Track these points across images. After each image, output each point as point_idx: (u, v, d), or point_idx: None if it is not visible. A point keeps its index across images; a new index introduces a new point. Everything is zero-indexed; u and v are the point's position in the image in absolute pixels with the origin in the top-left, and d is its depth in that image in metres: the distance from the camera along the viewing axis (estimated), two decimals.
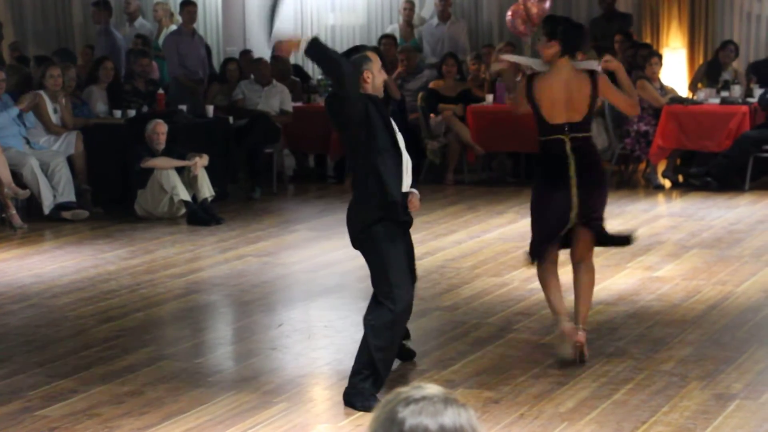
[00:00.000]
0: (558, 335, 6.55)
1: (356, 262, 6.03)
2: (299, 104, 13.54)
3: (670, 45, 14.98)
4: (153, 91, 12.73)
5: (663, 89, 12.72)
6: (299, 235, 10.42)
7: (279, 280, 8.71)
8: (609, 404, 5.80)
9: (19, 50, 15.80)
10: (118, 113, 12.19)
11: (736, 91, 12.67)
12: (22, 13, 17.40)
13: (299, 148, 13.96)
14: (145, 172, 11.04)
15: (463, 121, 13.02)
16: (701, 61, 14.65)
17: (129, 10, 16.05)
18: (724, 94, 12.63)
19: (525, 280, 8.39)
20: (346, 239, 6.08)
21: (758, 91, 12.63)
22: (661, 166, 12.77)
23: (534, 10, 13.27)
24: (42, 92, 11.58)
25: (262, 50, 15.04)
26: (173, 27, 15.02)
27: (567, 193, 6.37)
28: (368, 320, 5.85)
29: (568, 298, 6.68)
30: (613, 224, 10.12)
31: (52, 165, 11.25)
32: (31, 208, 11.40)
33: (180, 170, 11.10)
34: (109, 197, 11.77)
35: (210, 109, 12.51)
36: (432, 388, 2.40)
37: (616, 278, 8.42)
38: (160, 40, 15.14)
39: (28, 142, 11.48)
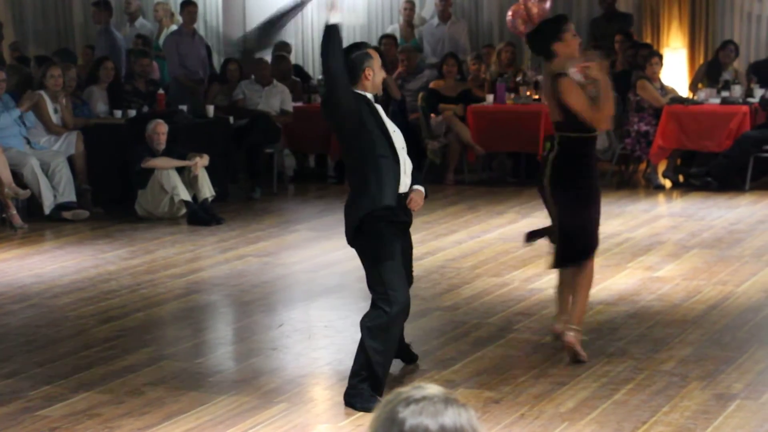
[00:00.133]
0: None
1: (356, 262, 6.02)
2: (300, 104, 13.54)
3: (670, 45, 14.98)
4: (153, 91, 12.73)
5: (663, 89, 12.72)
6: (299, 235, 10.42)
7: (279, 280, 8.72)
8: (609, 404, 5.79)
9: (19, 50, 15.82)
10: (118, 113, 12.19)
11: (737, 91, 12.67)
12: (22, 13, 17.41)
13: (300, 148, 13.96)
14: (145, 172, 11.04)
15: (464, 121, 13.02)
16: (701, 61, 14.65)
17: (129, 10, 16.06)
18: (725, 94, 12.63)
19: (525, 280, 8.40)
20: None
21: (759, 91, 12.63)
22: (662, 166, 12.77)
23: (534, 10, 13.27)
24: (42, 92, 11.59)
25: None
26: (174, 27, 15.02)
27: (543, 190, 6.55)
28: (364, 322, 5.85)
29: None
30: (613, 224, 10.16)
31: (52, 165, 11.25)
32: (31, 208, 11.40)
33: (180, 170, 11.10)
34: (110, 197, 11.77)
35: (210, 109, 12.51)
36: (432, 388, 2.40)
37: (616, 278, 8.42)
38: (161, 40, 15.14)
39: (28, 142, 11.48)
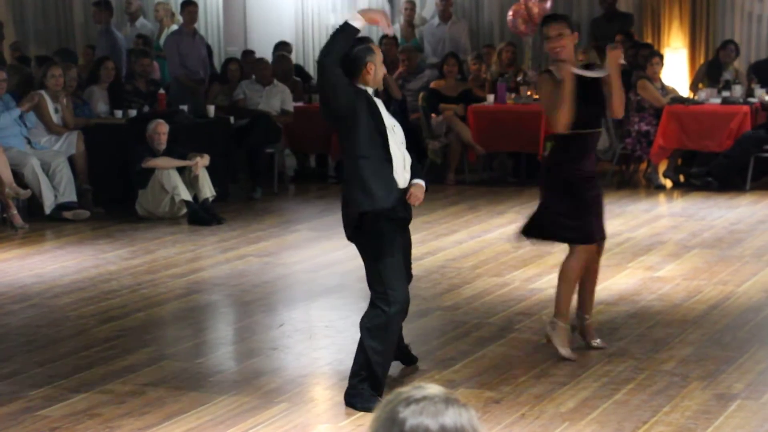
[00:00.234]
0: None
1: (357, 262, 6.02)
2: (300, 104, 13.54)
3: (671, 45, 14.99)
4: (154, 91, 12.73)
5: (664, 89, 12.72)
6: (300, 235, 10.42)
7: (280, 280, 8.71)
8: (610, 404, 5.79)
9: (20, 50, 15.81)
10: (119, 113, 12.19)
11: (737, 91, 12.67)
12: (23, 13, 17.40)
13: (300, 148, 13.96)
14: (146, 172, 11.04)
15: (464, 121, 13.02)
16: (702, 61, 14.66)
17: (130, 10, 16.05)
18: (725, 94, 12.63)
19: (526, 280, 8.40)
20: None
21: (759, 91, 12.63)
22: (662, 166, 12.78)
23: (535, 9, 13.28)
24: (43, 92, 11.59)
25: (263, 50, 15.03)
26: (174, 27, 15.02)
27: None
28: (363, 322, 5.85)
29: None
30: (614, 224, 10.15)
31: (53, 165, 11.25)
32: (32, 208, 11.40)
33: (181, 170, 11.10)
34: (110, 197, 11.77)
35: (211, 109, 12.51)
36: (433, 388, 2.40)
37: (617, 278, 8.42)
38: (161, 40, 15.14)
39: (29, 142, 11.48)
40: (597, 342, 6.74)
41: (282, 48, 14.68)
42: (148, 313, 7.79)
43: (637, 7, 15.22)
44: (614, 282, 8.30)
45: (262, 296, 8.19)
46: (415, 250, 6.27)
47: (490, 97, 13.13)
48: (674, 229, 10.21)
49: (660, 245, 9.53)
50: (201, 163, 11.10)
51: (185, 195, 10.97)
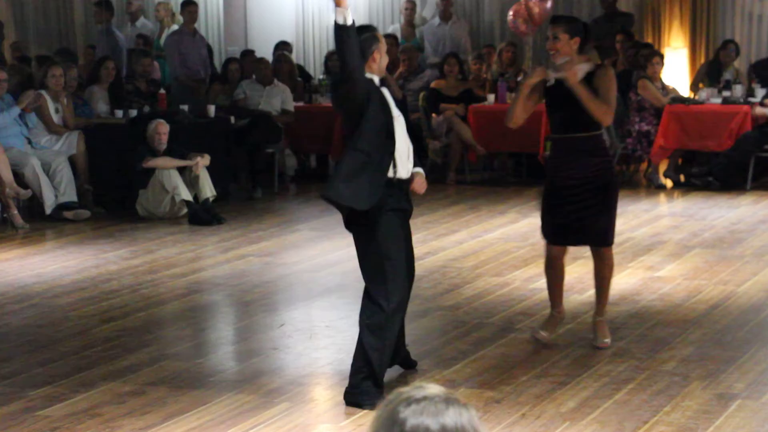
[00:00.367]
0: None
1: (357, 262, 6.01)
2: (301, 104, 13.54)
3: (671, 44, 14.98)
4: (154, 91, 12.74)
5: (664, 89, 12.72)
6: (301, 235, 10.42)
7: (280, 280, 8.71)
8: (611, 404, 5.79)
9: (20, 50, 15.81)
10: (119, 113, 12.19)
11: (738, 90, 12.66)
12: (23, 13, 17.41)
13: (301, 148, 13.96)
14: (146, 172, 11.05)
15: (465, 120, 13.02)
16: (702, 61, 14.65)
17: (131, 10, 16.06)
18: (726, 93, 12.63)
19: (526, 280, 8.40)
20: (348, 239, 6.07)
21: (760, 91, 12.62)
22: (663, 166, 12.77)
23: (536, 9, 13.27)
24: (44, 92, 11.59)
25: (264, 50, 15.03)
26: (175, 27, 15.02)
27: None
28: (362, 318, 5.84)
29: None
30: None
31: (53, 165, 11.25)
32: (32, 208, 11.41)
33: (181, 170, 11.10)
34: (111, 197, 11.78)
35: (211, 109, 12.51)
36: (433, 388, 2.40)
37: (617, 278, 8.40)
38: (162, 40, 15.14)
39: (29, 142, 11.49)
40: (603, 341, 6.75)
41: (282, 48, 14.68)
42: (148, 312, 7.79)
43: (637, 6, 15.21)
44: (615, 282, 8.27)
45: (262, 296, 8.19)
46: (416, 250, 6.26)
47: (491, 97, 13.14)
48: (675, 229, 10.21)
49: (660, 245, 9.52)
50: (201, 163, 11.10)
51: (186, 195, 10.98)
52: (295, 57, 15.52)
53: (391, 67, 13.45)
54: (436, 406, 2.36)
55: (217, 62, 15.59)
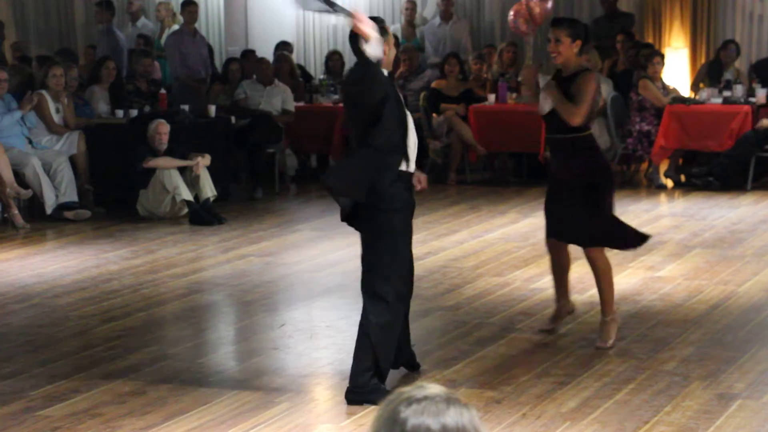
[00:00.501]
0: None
1: (358, 261, 6.01)
2: (301, 104, 13.54)
3: (672, 45, 14.98)
4: (155, 91, 12.73)
5: (665, 89, 12.71)
6: (301, 235, 10.42)
7: (281, 280, 8.72)
8: (611, 404, 5.79)
9: (21, 50, 15.80)
10: (120, 113, 12.19)
11: (738, 90, 12.66)
12: (24, 13, 17.41)
13: (301, 148, 13.96)
14: (147, 172, 11.05)
15: (465, 120, 13.02)
16: (703, 61, 14.65)
17: (131, 10, 16.06)
18: (726, 93, 12.63)
19: (527, 280, 8.40)
20: (348, 239, 6.08)
21: (760, 91, 12.62)
22: (664, 166, 12.77)
23: (537, 9, 13.24)
24: (44, 92, 11.59)
25: (264, 50, 15.03)
26: (175, 27, 15.02)
27: None
28: (369, 321, 5.83)
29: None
30: None
31: (54, 165, 11.25)
32: (33, 208, 11.40)
33: (182, 170, 11.10)
34: (112, 197, 11.77)
35: (212, 109, 12.51)
36: (434, 388, 2.40)
37: (618, 278, 8.38)
38: (162, 40, 15.15)
39: (30, 142, 11.49)
40: (602, 342, 6.75)
41: (283, 48, 14.68)
42: (149, 312, 7.79)
43: (638, 6, 15.21)
44: (615, 282, 8.25)
45: (263, 296, 8.19)
46: (416, 250, 6.27)
47: (491, 97, 13.13)
48: (675, 229, 10.21)
49: (661, 245, 9.52)
50: (202, 163, 11.10)
51: (186, 195, 10.97)
52: (296, 57, 15.51)
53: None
54: (437, 406, 2.36)
55: (218, 62, 15.59)
